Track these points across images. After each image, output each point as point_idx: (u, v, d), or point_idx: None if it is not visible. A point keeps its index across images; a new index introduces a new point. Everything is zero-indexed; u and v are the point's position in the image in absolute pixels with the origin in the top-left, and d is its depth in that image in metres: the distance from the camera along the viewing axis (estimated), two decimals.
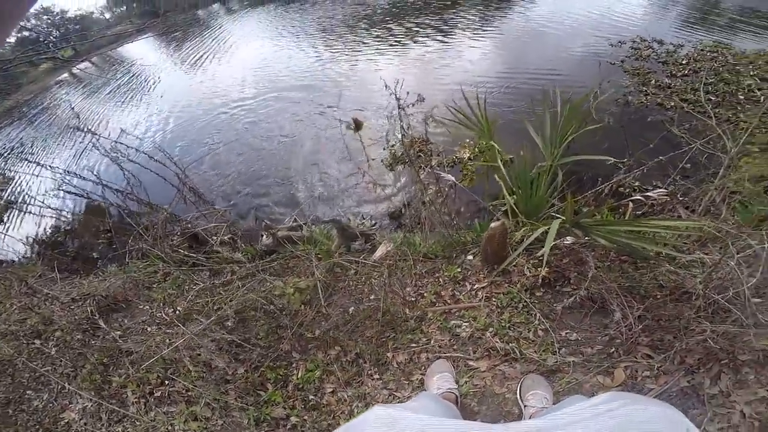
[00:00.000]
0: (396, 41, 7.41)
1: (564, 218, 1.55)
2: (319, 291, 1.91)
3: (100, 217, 3.52)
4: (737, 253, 1.41)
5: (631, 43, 5.23)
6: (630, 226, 1.53)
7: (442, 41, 6.90)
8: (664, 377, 1.40)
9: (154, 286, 2.40)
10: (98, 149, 3.29)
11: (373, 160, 3.44)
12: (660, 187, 2.37)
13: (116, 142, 3.37)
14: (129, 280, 2.42)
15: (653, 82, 4.11)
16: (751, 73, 3.92)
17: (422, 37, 7.31)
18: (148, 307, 2.20)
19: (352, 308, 1.94)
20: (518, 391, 1.44)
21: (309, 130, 4.76)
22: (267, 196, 3.76)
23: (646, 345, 1.49)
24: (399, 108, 2.17)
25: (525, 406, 1.35)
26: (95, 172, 3.03)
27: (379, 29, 8.38)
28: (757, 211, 1.95)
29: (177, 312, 2.01)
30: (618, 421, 0.52)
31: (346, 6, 11.38)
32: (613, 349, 1.51)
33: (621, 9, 6.88)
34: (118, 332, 2.01)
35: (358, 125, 4.32)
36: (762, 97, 3.29)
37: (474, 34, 6.95)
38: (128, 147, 3.31)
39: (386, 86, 2.04)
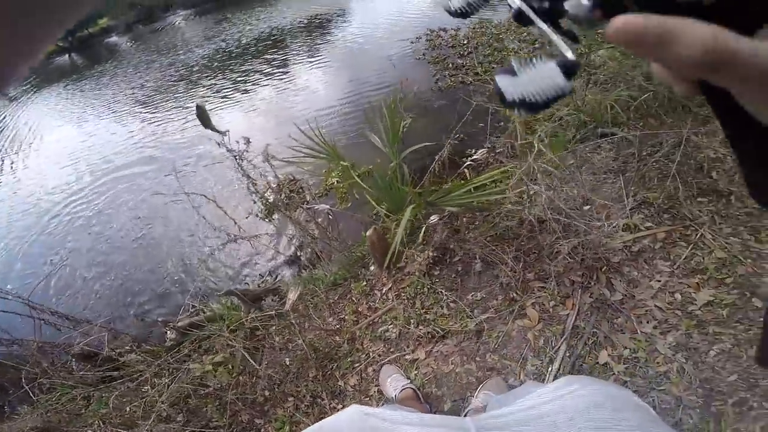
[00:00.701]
0: (225, 96, 7.05)
1: (416, 203, 1.82)
2: (247, 357, 1.89)
3: None
4: (537, 179, 1.70)
5: (425, 37, 6.14)
6: (460, 189, 1.85)
7: (277, 83, 6.85)
8: (569, 300, 1.56)
9: (83, 411, 2.21)
10: None
11: (246, 218, 3.37)
12: (483, 148, 2.93)
13: None
14: (51, 412, 2.20)
15: (450, 65, 4.93)
16: (511, 38, 5.04)
17: (253, 84, 7.11)
18: (90, 431, 2.02)
19: (288, 359, 1.95)
20: (477, 390, 1.50)
21: (158, 214, 4.29)
22: (146, 294, 3.35)
23: (535, 279, 1.71)
24: (239, 160, 2.20)
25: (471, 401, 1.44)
26: None
27: (202, 87, 7.88)
28: (563, 139, 2.50)
29: (119, 423, 1.90)
30: (580, 401, 0.53)
31: (153, 72, 10.15)
32: (512, 294, 1.72)
33: (409, 9, 8.01)
34: None
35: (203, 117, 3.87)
36: (526, 56, 4.28)
37: (306, 68, 7.09)
38: None
39: (219, 144, 2.02)
